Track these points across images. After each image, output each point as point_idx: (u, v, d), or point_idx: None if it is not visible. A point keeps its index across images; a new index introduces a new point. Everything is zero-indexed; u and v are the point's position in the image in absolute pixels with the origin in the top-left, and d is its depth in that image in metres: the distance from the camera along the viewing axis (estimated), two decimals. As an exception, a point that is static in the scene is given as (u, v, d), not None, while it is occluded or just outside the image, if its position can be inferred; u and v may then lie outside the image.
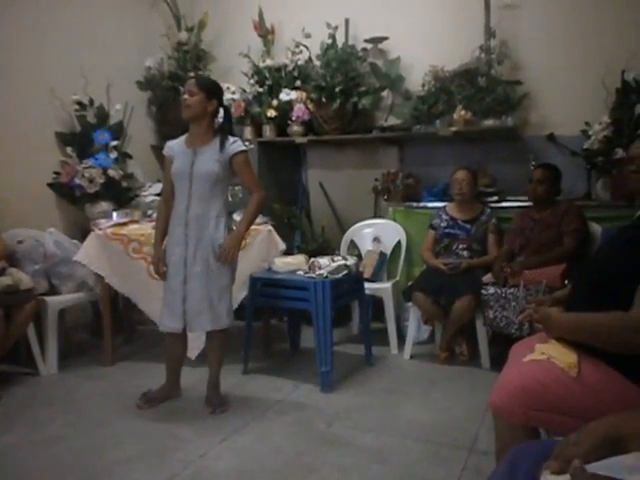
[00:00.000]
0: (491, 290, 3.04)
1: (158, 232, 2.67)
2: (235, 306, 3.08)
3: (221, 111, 2.64)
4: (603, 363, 1.44)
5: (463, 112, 3.57)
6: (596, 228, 3.16)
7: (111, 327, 3.26)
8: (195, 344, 3.01)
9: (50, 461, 2.15)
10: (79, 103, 3.77)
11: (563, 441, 0.95)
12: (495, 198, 3.60)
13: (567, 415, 1.43)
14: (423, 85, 3.79)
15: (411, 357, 3.36)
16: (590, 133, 3.33)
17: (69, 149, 3.73)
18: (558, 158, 3.49)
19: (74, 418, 2.54)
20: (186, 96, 2.52)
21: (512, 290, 2.96)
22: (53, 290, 3.25)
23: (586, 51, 3.50)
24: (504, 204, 3.56)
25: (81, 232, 3.62)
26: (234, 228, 2.65)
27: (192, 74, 4.01)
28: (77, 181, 3.63)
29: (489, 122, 3.56)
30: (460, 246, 3.40)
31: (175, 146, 2.64)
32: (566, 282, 2.33)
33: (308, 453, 2.20)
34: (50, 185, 3.71)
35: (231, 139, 2.58)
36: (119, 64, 4.14)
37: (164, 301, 2.61)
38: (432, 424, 2.46)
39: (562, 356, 1.49)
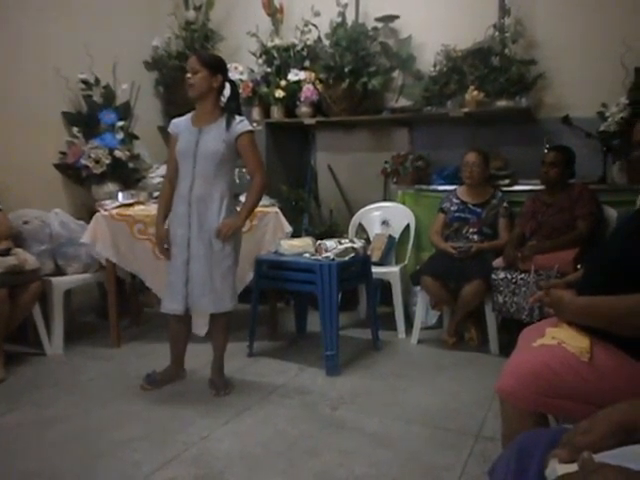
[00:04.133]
0: (501, 275, 2.98)
1: (160, 211, 2.63)
2: (241, 288, 3.07)
3: (227, 87, 2.58)
4: (616, 348, 1.38)
5: (475, 93, 3.48)
6: (611, 212, 3.08)
7: (117, 309, 3.25)
8: (203, 321, 2.98)
9: (53, 441, 2.14)
10: (85, 82, 3.73)
11: (573, 429, 0.90)
12: (507, 181, 3.52)
13: (578, 402, 1.38)
14: (435, 65, 3.70)
15: (419, 342, 3.32)
16: (607, 115, 3.23)
17: (75, 129, 3.69)
18: (573, 140, 3.38)
19: (78, 398, 2.54)
20: (189, 75, 2.46)
21: (523, 275, 2.90)
22: (59, 271, 3.25)
23: (604, 29, 3.38)
24: (516, 187, 3.48)
25: (87, 213, 3.59)
26: (238, 210, 2.61)
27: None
28: (83, 161, 3.60)
29: (502, 103, 3.47)
30: (470, 230, 3.33)
31: (181, 124, 2.59)
32: (578, 267, 2.27)
33: (311, 437, 2.17)
34: (56, 165, 3.69)
35: (238, 118, 2.51)
36: (126, 43, 4.08)
37: (167, 282, 2.59)
38: (438, 409, 2.42)
39: (574, 341, 1.44)
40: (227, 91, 2.60)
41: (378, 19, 3.94)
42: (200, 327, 3.04)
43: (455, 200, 3.42)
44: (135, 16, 4.21)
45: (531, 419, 1.43)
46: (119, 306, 3.27)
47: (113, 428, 2.24)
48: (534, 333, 1.62)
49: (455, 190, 3.48)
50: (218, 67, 2.50)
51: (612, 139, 3.24)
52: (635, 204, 2.72)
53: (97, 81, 3.76)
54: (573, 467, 0.81)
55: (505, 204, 3.34)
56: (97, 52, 3.69)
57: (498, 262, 3.08)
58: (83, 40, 3.64)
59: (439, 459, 2.01)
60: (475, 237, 3.32)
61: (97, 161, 3.60)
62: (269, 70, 4.09)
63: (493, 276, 3.00)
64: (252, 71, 4.16)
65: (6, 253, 2.86)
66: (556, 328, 1.54)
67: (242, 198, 3.00)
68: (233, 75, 3.96)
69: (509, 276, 2.95)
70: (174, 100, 4.29)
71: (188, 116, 2.60)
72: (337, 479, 1.88)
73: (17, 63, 3.44)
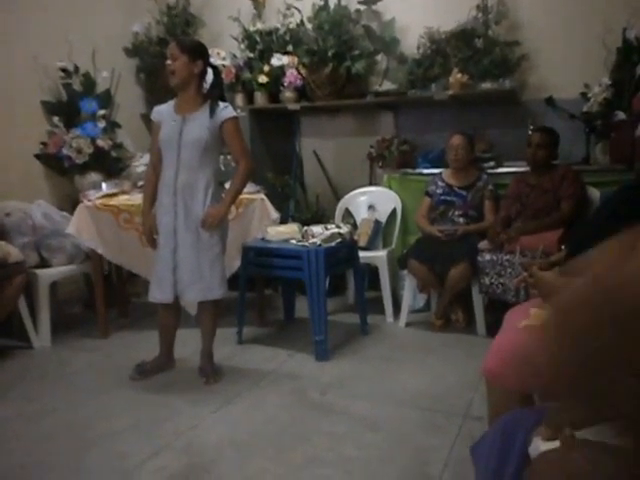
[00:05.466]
0: (487, 257, 2.99)
1: (146, 200, 2.60)
2: (229, 276, 3.05)
3: (210, 73, 2.54)
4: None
5: (459, 75, 3.47)
6: (595, 193, 3.10)
7: (105, 299, 3.23)
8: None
9: (41, 434, 2.13)
10: (64, 70, 3.66)
11: (555, 407, 0.92)
12: (492, 164, 3.52)
13: (561, 381, 1.40)
14: (418, 48, 3.68)
15: (407, 325, 3.34)
16: (589, 95, 3.24)
17: (56, 119, 3.63)
18: (556, 122, 3.39)
19: (66, 391, 2.53)
20: (169, 61, 2.42)
21: (508, 256, 2.92)
22: (44, 263, 3.21)
23: (586, 9, 3.38)
24: (501, 170, 3.49)
25: (71, 204, 3.54)
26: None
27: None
28: (65, 151, 3.55)
29: (486, 85, 3.46)
30: (456, 213, 3.35)
31: (164, 111, 2.55)
32: (562, 247, 2.29)
33: (301, 422, 2.19)
34: (37, 156, 3.63)
35: (221, 105, 2.49)
36: (105, 29, 4.00)
37: (154, 271, 2.57)
38: (427, 391, 2.45)
39: (557, 321, 1.45)
40: (210, 77, 2.57)
41: (361, 2, 3.89)
42: (192, 308, 3.01)
43: (441, 183, 3.43)
44: (113, 1, 4.13)
45: (516, 399, 1.45)
46: (106, 297, 3.25)
47: (101, 419, 2.24)
48: (519, 314, 1.64)
49: (441, 173, 3.48)
50: (198, 52, 2.46)
51: (595, 120, 3.25)
52: (618, 184, 2.75)
53: (76, 69, 3.69)
54: (555, 444, 0.83)
55: (490, 186, 3.35)
56: (76, 39, 3.61)
57: (483, 244, 3.10)
58: (61, 27, 3.56)
59: (427, 440, 2.03)
60: (461, 220, 3.34)
61: (79, 151, 3.55)
62: (252, 55, 4.04)
63: (479, 258, 3.01)
64: (235, 56, 4.10)
65: (-12, 246, 2.83)
66: (540, 309, 1.55)
67: (227, 185, 2.98)
68: (215, 61, 3.91)
69: (495, 258, 2.96)
70: (156, 87, 4.22)
71: (171, 103, 2.56)
72: (327, 463, 1.90)
73: (-7, 51, 3.36)
